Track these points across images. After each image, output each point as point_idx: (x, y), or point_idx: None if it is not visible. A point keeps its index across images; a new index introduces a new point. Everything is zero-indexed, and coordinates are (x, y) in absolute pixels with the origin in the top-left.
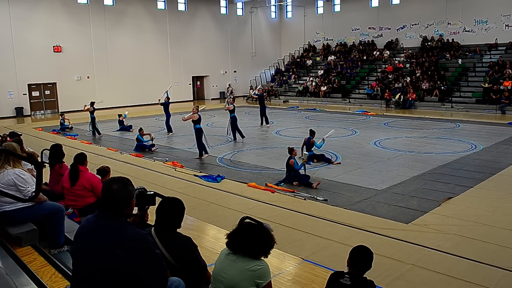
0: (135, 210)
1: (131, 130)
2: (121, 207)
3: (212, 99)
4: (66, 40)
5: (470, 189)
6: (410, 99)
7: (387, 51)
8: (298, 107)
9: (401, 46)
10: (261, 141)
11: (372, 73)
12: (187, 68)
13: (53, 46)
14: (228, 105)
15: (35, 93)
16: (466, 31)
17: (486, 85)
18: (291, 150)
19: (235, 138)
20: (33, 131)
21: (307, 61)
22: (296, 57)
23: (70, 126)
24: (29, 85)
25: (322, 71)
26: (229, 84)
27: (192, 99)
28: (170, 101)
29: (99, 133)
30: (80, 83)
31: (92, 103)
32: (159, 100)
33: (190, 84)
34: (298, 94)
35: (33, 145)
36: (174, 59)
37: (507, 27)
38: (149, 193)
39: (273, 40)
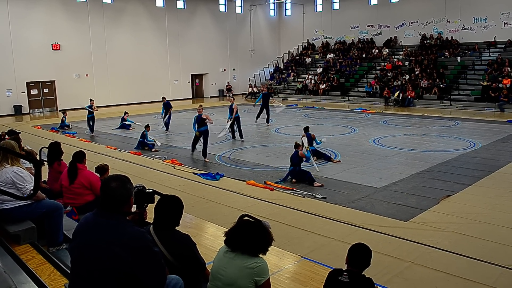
0: (133, 208)
1: (130, 128)
2: (120, 205)
3: (211, 97)
4: (65, 38)
5: (468, 187)
6: (409, 97)
7: (386, 49)
8: (297, 105)
9: (400, 44)
10: (260, 139)
11: (371, 71)
12: (186, 66)
13: (52, 44)
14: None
15: (34, 91)
16: (465, 29)
17: (485, 83)
18: (297, 145)
19: (234, 137)
20: (31, 129)
21: (306, 59)
22: (295, 55)
23: (69, 124)
24: (27, 83)
25: (321, 69)
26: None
27: (191, 97)
28: (169, 99)
29: (92, 131)
30: (78, 81)
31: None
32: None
33: (189, 82)
34: (297, 92)
35: (31, 143)
36: (173, 57)
37: (506, 25)
38: (147, 191)
39: (272, 38)
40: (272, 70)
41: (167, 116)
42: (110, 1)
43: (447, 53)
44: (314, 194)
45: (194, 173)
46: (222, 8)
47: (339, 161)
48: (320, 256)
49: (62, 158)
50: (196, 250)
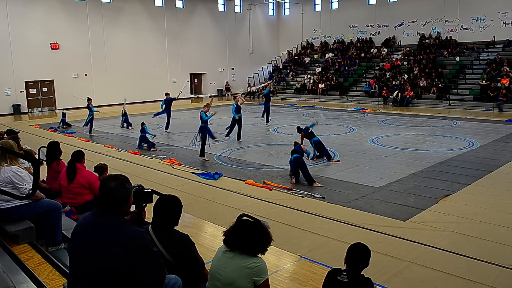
0: (132, 208)
1: (130, 128)
2: (119, 204)
3: (210, 96)
4: (64, 37)
5: (467, 186)
6: (407, 96)
7: (385, 49)
8: (295, 104)
9: (399, 43)
10: (259, 138)
11: (370, 70)
12: (184, 66)
13: (51, 44)
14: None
15: (33, 91)
16: (463, 28)
17: (484, 82)
18: (297, 143)
19: (228, 135)
20: (30, 129)
21: (305, 59)
22: (294, 54)
23: (70, 124)
24: (26, 83)
25: (319, 69)
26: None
27: (189, 96)
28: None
29: (90, 132)
30: (77, 81)
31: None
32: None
33: (187, 81)
34: (296, 92)
35: (30, 142)
36: (171, 56)
37: (504, 25)
38: (146, 190)
39: (271, 38)
40: (271, 70)
41: (165, 112)
42: (109, 1)
43: (445, 53)
44: (313, 194)
45: (192, 173)
46: (221, 8)
47: (338, 161)
48: (319, 256)
49: (61, 157)
50: (195, 250)
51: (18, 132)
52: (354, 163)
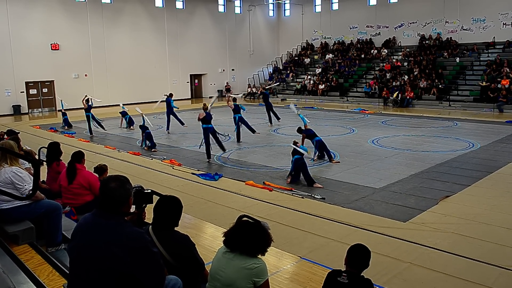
0: (132, 209)
1: (131, 128)
2: (119, 205)
3: (210, 97)
4: (64, 38)
5: (467, 187)
6: (408, 97)
7: (385, 50)
8: (296, 105)
9: (399, 44)
10: (259, 139)
11: (370, 71)
12: (185, 66)
13: (51, 44)
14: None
15: (33, 91)
16: (463, 29)
17: (484, 83)
18: (295, 143)
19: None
20: (30, 129)
21: (305, 60)
22: (294, 55)
23: (71, 124)
24: (26, 83)
25: (320, 70)
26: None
27: (190, 97)
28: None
29: (91, 133)
30: (77, 81)
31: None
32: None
33: (188, 82)
34: (296, 93)
35: (30, 143)
36: (172, 57)
37: (504, 26)
38: (146, 191)
39: (271, 38)
40: (271, 71)
41: (170, 112)
42: (109, 1)
43: (446, 54)
44: (313, 195)
45: (193, 174)
46: (221, 9)
47: (338, 162)
48: (319, 257)
49: (61, 158)
50: (195, 251)
51: (19, 132)
52: (354, 164)
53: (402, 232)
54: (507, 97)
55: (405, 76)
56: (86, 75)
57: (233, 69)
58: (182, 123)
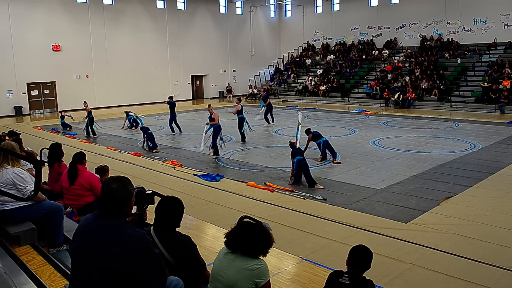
0: (134, 209)
1: (133, 128)
2: (120, 206)
3: (211, 98)
4: (65, 39)
5: (469, 188)
6: (409, 98)
7: (386, 51)
8: (297, 106)
9: (400, 45)
10: (260, 140)
11: (371, 72)
12: (186, 67)
13: (52, 45)
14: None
15: (34, 92)
16: (465, 30)
17: (485, 84)
18: (292, 144)
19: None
20: (32, 130)
21: (306, 60)
22: (295, 56)
23: (71, 125)
24: (28, 84)
25: (321, 70)
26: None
27: (191, 98)
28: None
29: (94, 134)
30: (79, 82)
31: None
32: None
33: (189, 83)
34: (297, 94)
35: (32, 144)
36: (173, 58)
37: (506, 27)
38: (148, 192)
39: (272, 39)
40: (272, 72)
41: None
42: (111, 2)
43: (447, 55)
44: (314, 196)
45: (194, 174)
46: (222, 10)
47: (340, 163)
48: (320, 258)
49: (62, 159)
50: (197, 252)
51: (20, 133)
52: (355, 165)
53: (404, 233)
54: (509, 98)
55: (407, 77)
56: (87, 76)
57: (234, 70)
58: (180, 130)
